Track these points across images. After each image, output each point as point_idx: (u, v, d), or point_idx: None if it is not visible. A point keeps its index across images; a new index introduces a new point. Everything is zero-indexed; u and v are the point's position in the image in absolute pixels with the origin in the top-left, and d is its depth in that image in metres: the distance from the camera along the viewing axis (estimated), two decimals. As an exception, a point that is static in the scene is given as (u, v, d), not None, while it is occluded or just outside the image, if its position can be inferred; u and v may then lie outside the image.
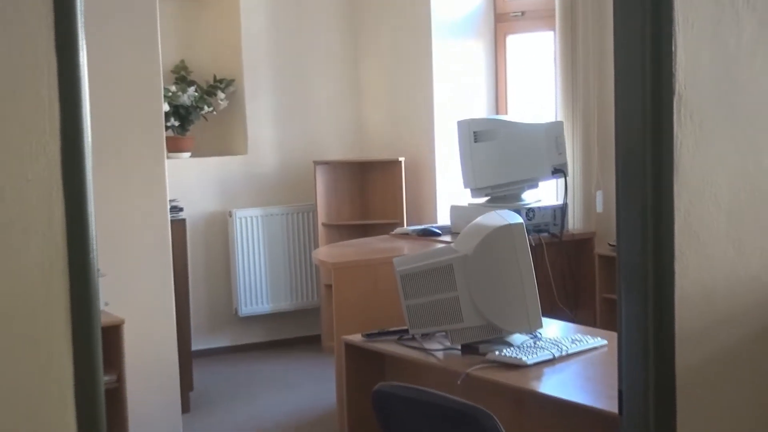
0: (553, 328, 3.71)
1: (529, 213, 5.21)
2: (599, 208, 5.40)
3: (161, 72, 4.46)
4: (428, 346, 3.55)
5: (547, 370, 3.31)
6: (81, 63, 1.63)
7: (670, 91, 2.06)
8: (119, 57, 4.05)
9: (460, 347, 3.51)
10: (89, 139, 1.65)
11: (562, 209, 5.43)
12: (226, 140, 6.71)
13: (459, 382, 3.27)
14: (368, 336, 3.79)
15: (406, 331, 3.67)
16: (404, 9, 6.49)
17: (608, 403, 2.72)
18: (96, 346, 1.67)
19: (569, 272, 5.31)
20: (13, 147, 1.59)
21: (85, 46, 1.63)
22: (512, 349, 3.43)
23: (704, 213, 2.12)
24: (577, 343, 3.49)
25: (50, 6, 1.59)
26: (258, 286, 6.62)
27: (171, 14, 6.26)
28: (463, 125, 5.54)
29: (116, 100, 4.01)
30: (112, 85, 3.98)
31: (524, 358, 3.33)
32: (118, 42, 4.05)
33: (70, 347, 1.64)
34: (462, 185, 5.58)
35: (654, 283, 2.11)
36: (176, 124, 6.36)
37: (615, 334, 2.32)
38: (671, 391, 2.12)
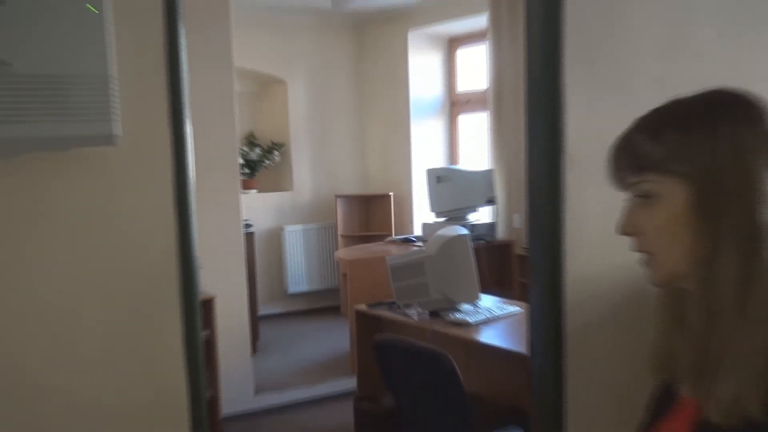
0: (487, 300, 3.71)
1: (472, 227, 5.21)
2: (516, 225, 5.41)
3: (237, 139, 4.46)
4: (408, 312, 3.55)
5: (483, 327, 3.31)
6: (187, 134, 1.63)
7: (562, 149, 2.06)
8: (211, 130, 4.06)
9: (428, 313, 3.50)
10: (192, 183, 1.64)
11: (493, 225, 5.44)
12: (279, 181, 6.72)
13: (427, 335, 3.27)
14: (370, 306, 3.79)
15: (394, 303, 3.67)
16: (394, 97, 6.51)
17: (522, 348, 2.72)
18: (196, 313, 1.66)
19: (497, 265, 5.30)
20: (150, 187, 1.59)
21: (189, 122, 1.63)
22: (461, 313, 3.43)
23: (583, 228, 2.12)
24: (502, 309, 3.50)
25: (166, 102, 1.59)
26: (300, 273, 6.62)
27: (244, 102, 6.29)
28: (430, 172, 5.57)
29: (209, 157, 4.02)
30: (206, 147, 3.99)
31: (469, 319, 3.33)
32: (211, 120, 4.06)
33: (180, 314, 1.63)
34: (429, 210, 5.60)
35: (551, 272, 2.11)
36: (248, 171, 6.37)
37: (526, 305, 2.32)
38: (561, 340, 2.12)
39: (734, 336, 0.82)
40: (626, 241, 0.97)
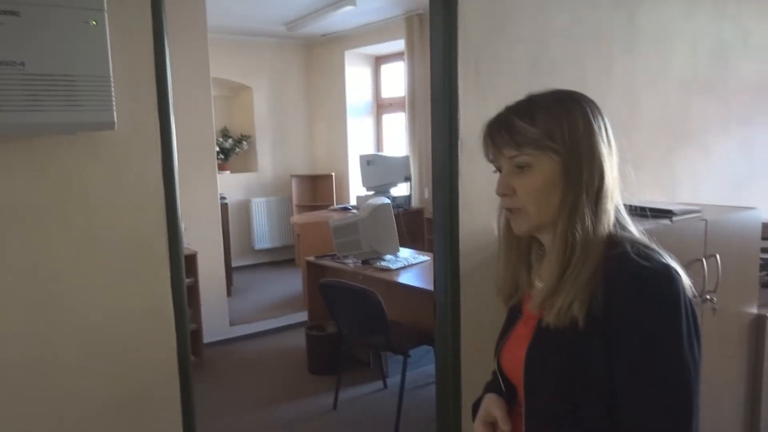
0: (404, 252, 3.76)
1: (393, 198, 5.23)
2: (426, 196, 5.47)
3: (214, 132, 4.32)
4: (346, 261, 3.56)
5: (402, 271, 3.35)
6: (171, 123, 1.57)
7: (457, 137, 2.10)
8: (194, 125, 3.93)
9: (361, 262, 3.53)
10: (176, 167, 1.59)
11: (409, 197, 5.46)
12: (247, 165, 6.56)
13: (360, 278, 3.30)
14: (317, 257, 3.77)
15: (335, 255, 3.67)
16: (334, 100, 6.42)
17: (430, 286, 2.78)
18: (181, 265, 1.61)
19: (413, 226, 5.35)
20: (142, 164, 1.53)
21: (174, 124, 1.57)
22: (386, 262, 3.46)
23: (471, 198, 2.17)
24: (416, 258, 3.55)
25: (154, 97, 1.53)
26: (263, 234, 6.50)
27: (219, 103, 6.10)
28: (362, 157, 5.53)
29: (193, 146, 3.90)
30: (191, 138, 3.87)
31: (391, 266, 3.37)
32: (194, 118, 3.93)
33: (168, 265, 1.59)
34: (361, 185, 5.58)
35: (450, 230, 2.15)
36: (222, 157, 6.19)
37: (433, 255, 2.36)
38: (457, 280, 2.17)
39: (579, 263, 0.88)
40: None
